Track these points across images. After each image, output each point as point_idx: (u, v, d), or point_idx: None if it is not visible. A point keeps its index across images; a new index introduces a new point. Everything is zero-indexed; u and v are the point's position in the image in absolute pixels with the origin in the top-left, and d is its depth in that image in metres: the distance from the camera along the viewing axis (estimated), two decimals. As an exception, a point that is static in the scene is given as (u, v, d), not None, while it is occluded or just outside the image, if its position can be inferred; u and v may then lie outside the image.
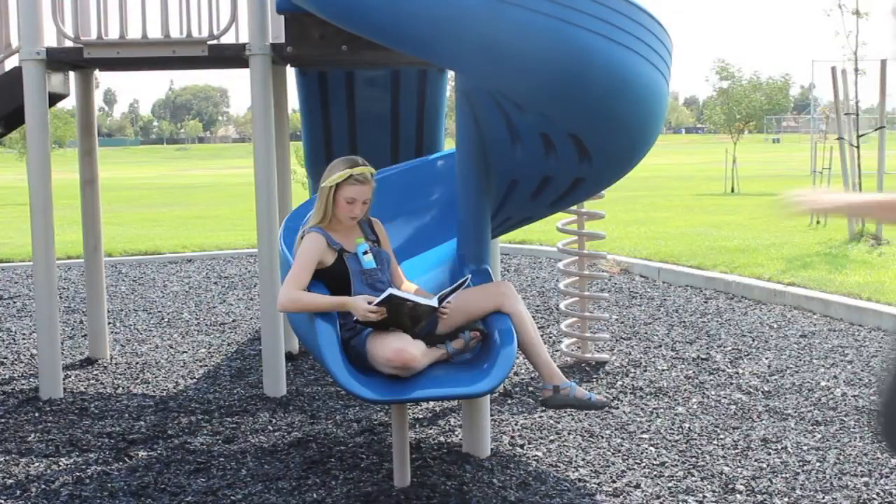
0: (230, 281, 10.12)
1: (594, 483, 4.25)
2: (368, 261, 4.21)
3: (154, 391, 5.87)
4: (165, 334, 7.50)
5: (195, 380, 6.13)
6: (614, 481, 4.26)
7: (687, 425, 5.02)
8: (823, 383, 5.76)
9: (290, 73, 6.88)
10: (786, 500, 4.04)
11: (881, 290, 7.89)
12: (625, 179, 4.90)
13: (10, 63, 6.28)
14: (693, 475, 4.32)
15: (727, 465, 4.43)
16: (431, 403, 5.41)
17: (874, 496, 4.06)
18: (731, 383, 5.81)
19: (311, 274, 4.10)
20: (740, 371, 6.09)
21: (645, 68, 3.97)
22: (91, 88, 6.66)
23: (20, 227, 15.34)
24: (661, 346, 6.82)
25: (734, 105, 26.93)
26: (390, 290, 3.94)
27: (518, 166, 4.37)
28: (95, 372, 6.39)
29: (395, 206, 4.92)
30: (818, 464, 4.44)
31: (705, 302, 8.40)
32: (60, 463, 4.57)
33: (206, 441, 4.88)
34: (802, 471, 4.36)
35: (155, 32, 5.79)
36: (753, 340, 6.91)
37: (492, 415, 5.02)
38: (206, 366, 6.50)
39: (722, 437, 4.84)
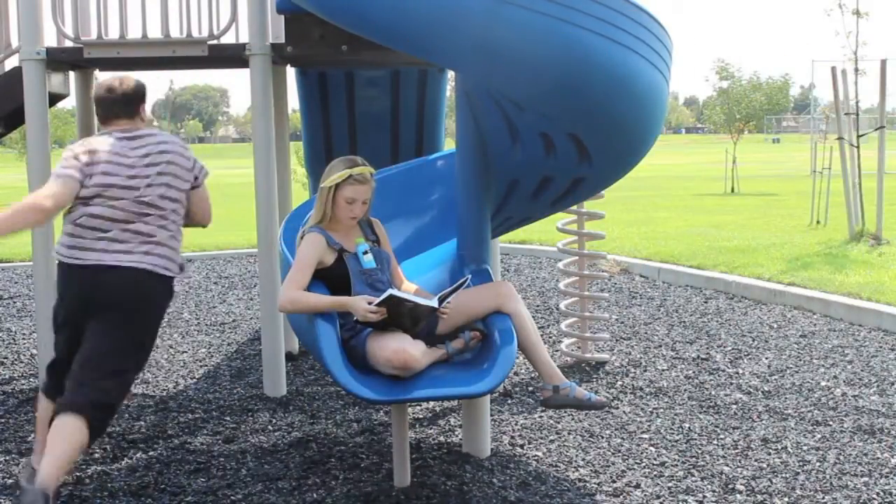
0: (230, 281, 10.12)
1: (594, 483, 4.25)
2: (368, 261, 4.21)
3: (154, 391, 5.87)
4: (165, 334, 7.50)
5: (195, 380, 6.13)
6: (614, 481, 4.26)
7: (687, 425, 5.02)
8: (823, 383, 5.76)
9: (290, 73, 6.88)
10: (786, 500, 4.04)
11: (881, 290, 7.89)
12: (625, 179, 4.90)
13: (10, 63, 6.28)
14: (693, 475, 4.32)
15: (727, 465, 4.43)
16: (431, 403, 5.41)
17: (874, 496, 4.06)
18: (731, 383, 5.81)
19: (310, 274, 4.10)
20: (740, 371, 6.09)
21: (645, 68, 3.97)
22: (91, 88, 6.66)
23: (20, 227, 15.32)
24: (661, 346, 6.82)
25: (734, 105, 26.94)
26: (390, 291, 3.94)
27: (518, 166, 4.37)
28: (95, 372, 6.38)
29: (395, 206, 4.92)
30: (818, 464, 4.44)
31: (705, 302, 8.40)
32: (60, 463, 4.56)
33: (206, 441, 4.88)
34: (802, 471, 4.36)
35: (155, 32, 5.79)
36: (753, 340, 6.91)
37: (492, 415, 5.02)
38: (206, 366, 6.50)
39: (722, 437, 4.84)
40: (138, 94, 4.24)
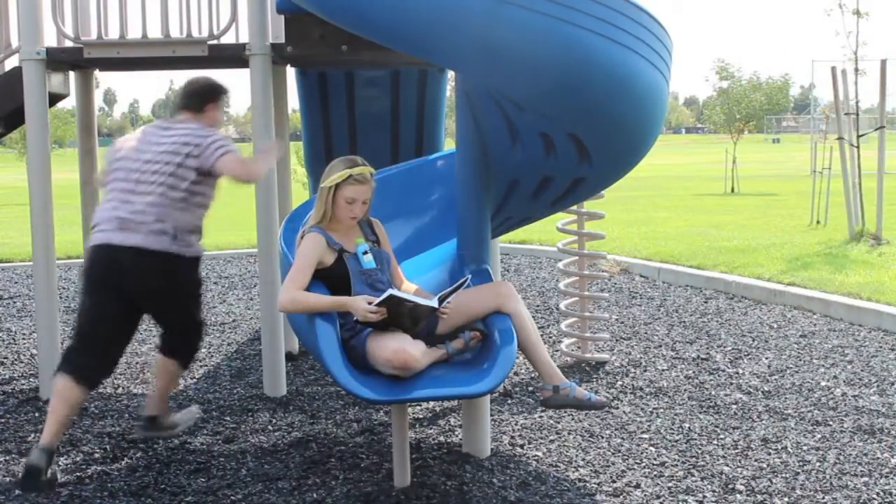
0: (230, 281, 10.12)
1: (594, 483, 4.25)
2: (368, 261, 4.21)
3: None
4: (165, 334, 7.49)
5: (195, 380, 6.13)
6: (614, 481, 4.26)
7: (687, 425, 5.02)
8: (823, 383, 5.76)
9: (290, 73, 6.88)
10: (786, 500, 4.04)
11: (881, 290, 7.89)
12: (625, 179, 4.90)
13: (10, 63, 6.28)
14: (693, 475, 4.32)
15: (727, 465, 4.43)
16: (431, 403, 5.41)
17: (874, 496, 4.06)
18: (731, 383, 5.81)
19: (310, 274, 4.10)
20: (740, 371, 6.09)
21: (645, 68, 3.97)
22: (91, 88, 6.66)
23: (20, 227, 15.34)
24: (661, 346, 6.82)
25: (734, 105, 26.96)
26: (390, 291, 3.94)
27: (518, 166, 4.37)
28: (95, 372, 6.37)
29: (395, 206, 4.92)
30: (818, 464, 4.44)
31: (705, 302, 8.40)
32: (60, 463, 4.57)
33: (206, 441, 4.88)
34: (802, 471, 4.36)
35: (155, 32, 5.79)
36: (753, 340, 6.91)
37: (492, 415, 5.02)
38: (206, 366, 6.49)
39: (722, 437, 4.84)
40: (202, 92, 4.59)
